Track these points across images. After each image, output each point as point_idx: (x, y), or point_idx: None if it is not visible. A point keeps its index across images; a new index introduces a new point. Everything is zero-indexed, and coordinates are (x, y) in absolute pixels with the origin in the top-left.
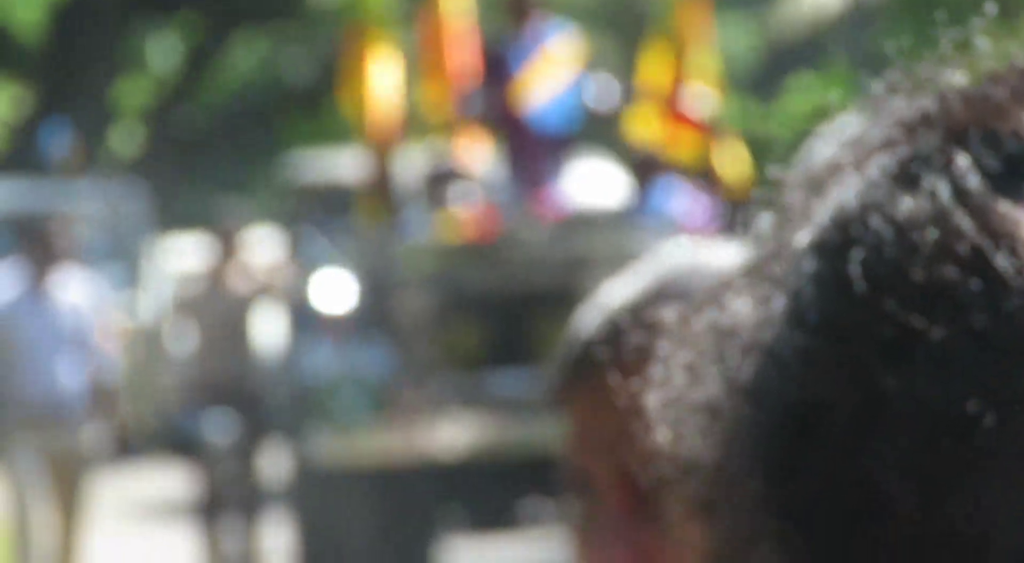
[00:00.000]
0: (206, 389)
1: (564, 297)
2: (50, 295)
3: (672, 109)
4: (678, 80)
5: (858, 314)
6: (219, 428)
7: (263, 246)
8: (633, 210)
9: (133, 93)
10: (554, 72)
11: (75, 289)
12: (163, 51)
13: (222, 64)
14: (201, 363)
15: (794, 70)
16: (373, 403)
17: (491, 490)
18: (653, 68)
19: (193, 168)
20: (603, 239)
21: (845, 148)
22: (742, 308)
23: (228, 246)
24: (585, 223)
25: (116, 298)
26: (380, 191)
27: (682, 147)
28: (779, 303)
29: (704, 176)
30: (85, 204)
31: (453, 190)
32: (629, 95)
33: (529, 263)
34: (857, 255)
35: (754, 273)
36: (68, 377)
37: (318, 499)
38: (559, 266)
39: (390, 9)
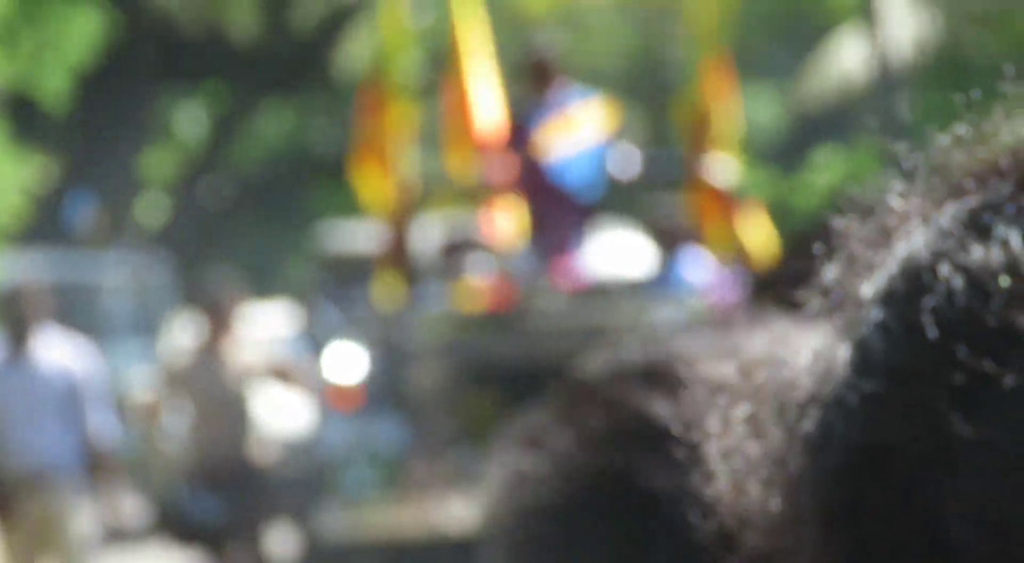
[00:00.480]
0: (203, 467)
1: None
2: (32, 360)
3: (696, 179)
4: (702, 149)
5: (929, 360)
6: (219, 509)
7: (273, 320)
8: (655, 280)
9: (159, 163)
10: (575, 132)
11: (66, 353)
12: (189, 121)
13: (248, 134)
14: (196, 440)
15: (820, 140)
16: (386, 477)
17: None
18: (675, 138)
19: (219, 239)
20: (622, 309)
21: (910, 199)
22: (803, 360)
23: (221, 320)
24: (604, 293)
25: (139, 371)
26: (397, 261)
27: (706, 217)
28: (843, 353)
29: (728, 246)
30: (110, 275)
31: (470, 260)
32: (651, 164)
33: (547, 333)
34: (928, 303)
35: (816, 324)
36: (56, 443)
37: None
38: (578, 336)
39: (412, 76)
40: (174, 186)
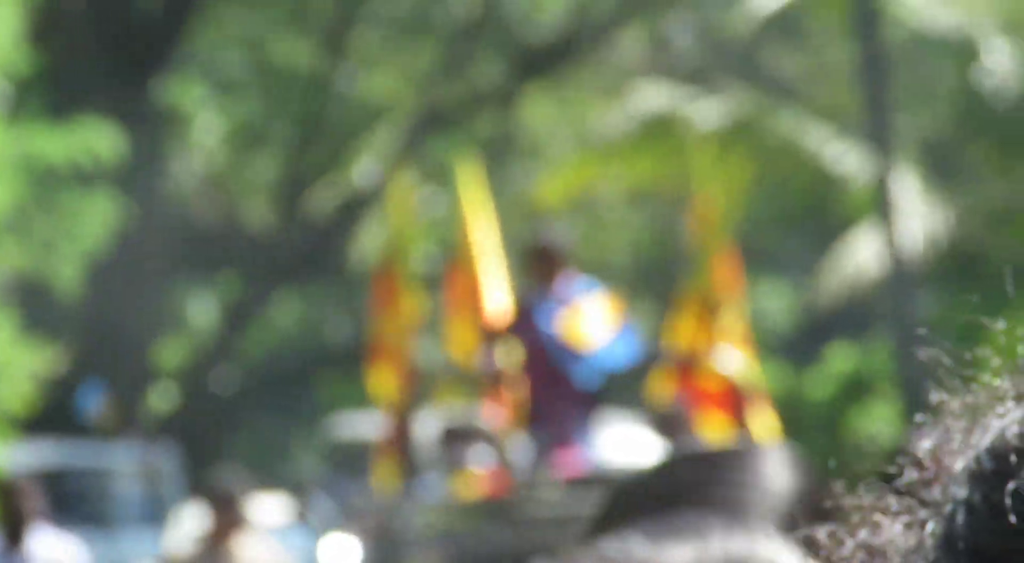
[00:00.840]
0: None
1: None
2: (26, 556)
3: (698, 370)
4: (708, 341)
5: (1008, 544)
6: None
7: (272, 510)
8: None
9: (171, 351)
10: (580, 323)
11: (59, 551)
12: (202, 309)
13: (261, 323)
14: None
15: (834, 335)
16: None
17: None
18: (683, 329)
19: (227, 427)
20: None
21: (1011, 379)
22: (895, 529)
23: (228, 513)
24: (603, 480)
25: (148, 561)
26: (397, 451)
27: (708, 410)
28: (933, 527)
29: (729, 437)
30: (119, 463)
31: (471, 449)
32: (656, 355)
33: (545, 522)
34: (1011, 486)
35: (910, 495)
36: None
37: None
38: (576, 525)
39: (420, 266)
40: (185, 374)
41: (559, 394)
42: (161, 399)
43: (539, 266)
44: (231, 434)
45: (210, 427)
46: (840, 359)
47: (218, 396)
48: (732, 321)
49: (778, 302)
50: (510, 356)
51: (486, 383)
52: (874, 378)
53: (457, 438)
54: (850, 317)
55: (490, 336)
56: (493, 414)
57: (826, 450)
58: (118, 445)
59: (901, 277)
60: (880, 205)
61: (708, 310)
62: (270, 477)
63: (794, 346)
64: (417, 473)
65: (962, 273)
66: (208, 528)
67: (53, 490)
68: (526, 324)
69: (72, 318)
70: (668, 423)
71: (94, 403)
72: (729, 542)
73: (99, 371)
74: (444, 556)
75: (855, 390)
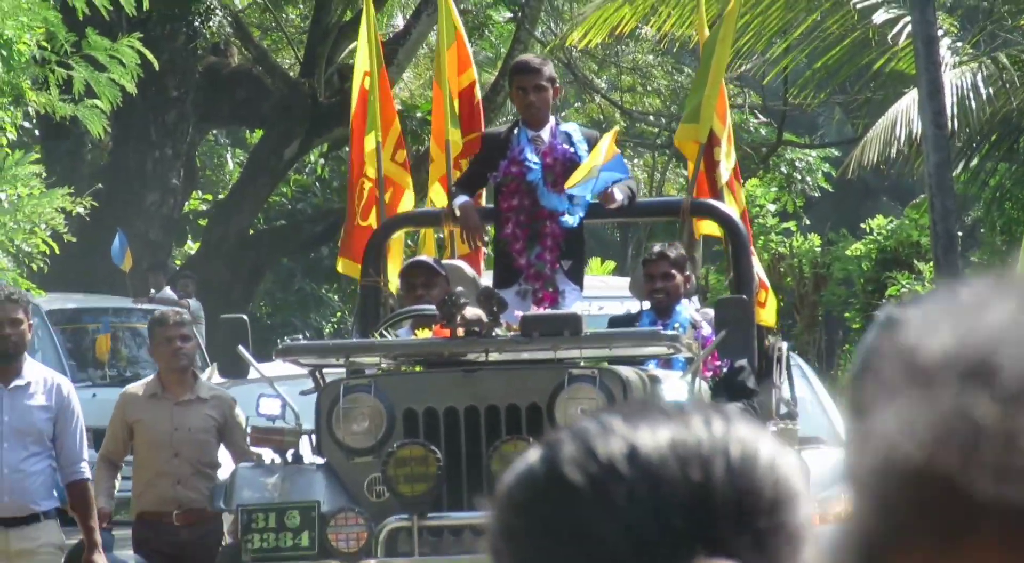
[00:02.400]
0: None
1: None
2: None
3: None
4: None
5: None
6: None
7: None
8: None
9: (196, 202)
10: (571, 164)
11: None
12: (227, 160)
13: (286, 174)
14: None
15: (872, 203)
16: None
17: None
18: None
19: (252, 280)
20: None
21: None
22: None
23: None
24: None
25: None
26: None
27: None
28: None
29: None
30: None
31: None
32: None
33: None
34: None
35: None
36: (30, 476)
37: None
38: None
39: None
40: (210, 225)
41: (539, 234)
42: (185, 249)
43: (527, 96)
44: (253, 285)
45: (232, 277)
46: (878, 228)
47: (241, 246)
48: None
49: (816, 169)
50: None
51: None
52: (911, 248)
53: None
54: (889, 184)
55: (465, 178)
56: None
57: (861, 317)
58: (144, 295)
59: (940, 143)
60: (923, 67)
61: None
62: (287, 329)
63: (831, 214)
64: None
65: (1002, 139)
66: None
67: (77, 342)
68: (508, 158)
69: (97, 165)
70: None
71: (120, 252)
72: (708, 425)
73: (124, 221)
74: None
75: (892, 260)
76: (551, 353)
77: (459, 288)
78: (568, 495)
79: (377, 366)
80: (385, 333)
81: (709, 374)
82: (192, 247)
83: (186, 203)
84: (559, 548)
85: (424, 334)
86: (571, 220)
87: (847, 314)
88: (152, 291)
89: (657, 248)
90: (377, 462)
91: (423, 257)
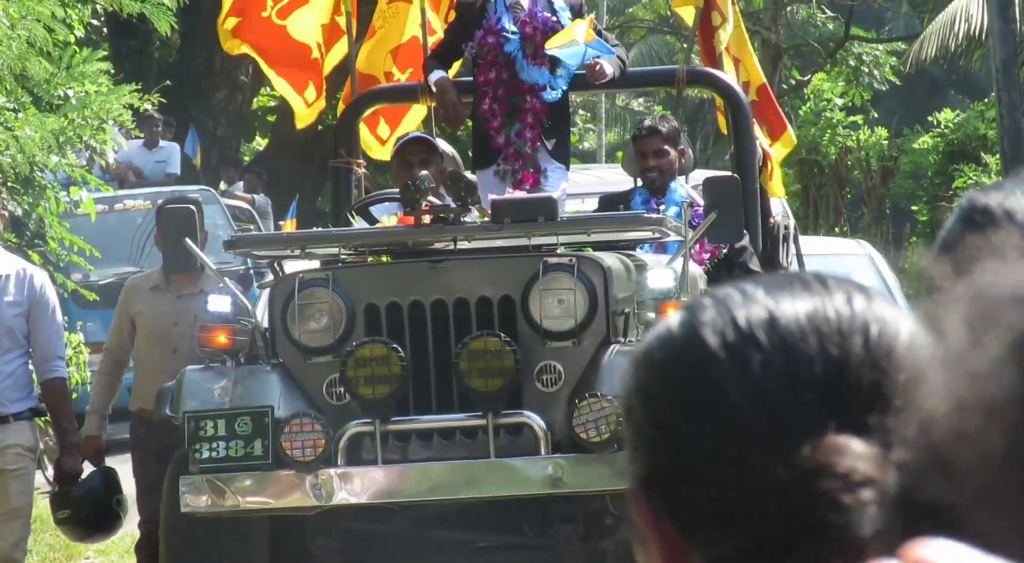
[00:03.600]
0: None
1: None
2: None
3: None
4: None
5: None
6: None
7: None
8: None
9: (264, 99)
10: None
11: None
12: None
13: None
14: None
15: (939, 97)
16: None
17: None
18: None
19: (320, 175)
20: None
21: None
22: None
23: None
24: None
25: None
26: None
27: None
28: None
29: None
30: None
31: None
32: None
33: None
34: None
35: None
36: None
37: None
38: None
39: None
40: (277, 120)
41: (519, 110)
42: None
43: None
44: (322, 180)
45: (301, 173)
46: (945, 121)
47: (310, 141)
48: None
49: (883, 63)
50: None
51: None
52: (978, 141)
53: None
54: (957, 78)
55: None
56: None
57: (928, 210)
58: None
59: (1007, 38)
60: None
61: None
62: None
63: (898, 108)
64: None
65: None
66: None
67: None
68: (483, 27)
69: (165, 63)
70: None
71: (193, 148)
72: (851, 298)
73: (192, 118)
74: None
75: (959, 153)
76: (525, 241)
77: (423, 172)
78: (705, 359)
79: (336, 257)
80: (354, 219)
81: (707, 256)
82: (261, 143)
83: (255, 99)
84: (692, 410)
85: (391, 220)
86: (553, 94)
87: (914, 207)
88: (223, 186)
89: (648, 122)
90: (336, 362)
91: (420, 132)
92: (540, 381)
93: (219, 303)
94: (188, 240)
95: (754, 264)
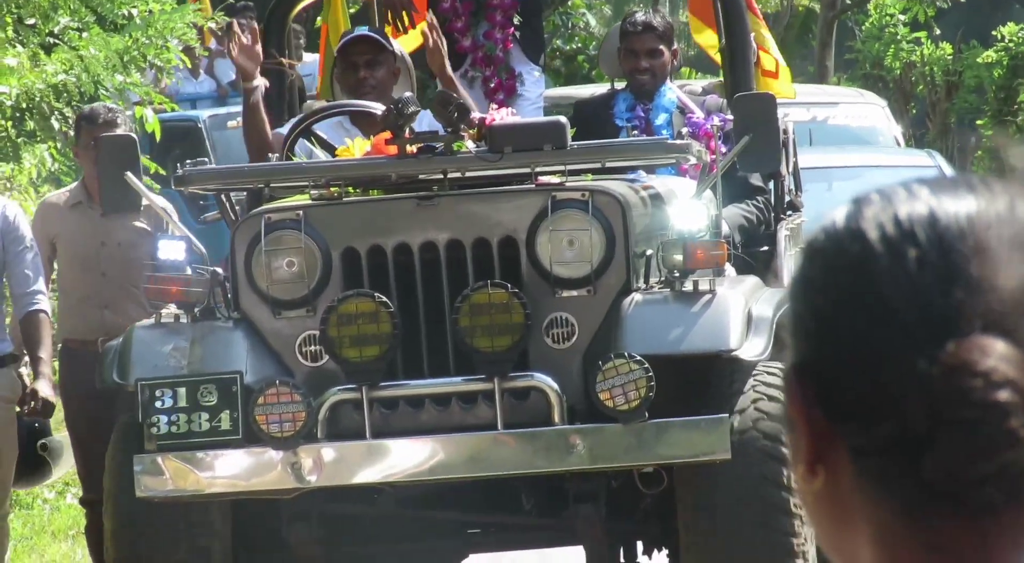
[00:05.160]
0: None
1: None
2: None
3: None
4: None
5: None
6: None
7: None
8: None
9: None
10: None
11: None
12: None
13: None
14: None
15: (1002, 13)
16: None
17: None
18: None
19: None
20: None
21: None
22: None
23: None
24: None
25: None
26: None
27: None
28: None
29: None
30: None
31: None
32: None
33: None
34: None
35: None
36: None
37: None
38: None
39: None
40: None
41: (485, 6)
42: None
43: None
44: None
45: None
46: (1010, 35)
47: None
48: None
49: None
50: None
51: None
52: None
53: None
54: None
55: None
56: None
57: (993, 124)
58: None
59: None
60: None
61: None
62: None
63: (962, 23)
64: None
65: None
66: None
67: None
68: None
69: None
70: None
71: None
72: (1013, 204)
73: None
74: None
75: (1022, 68)
76: (528, 171)
77: (407, 93)
78: (863, 252)
79: (306, 192)
80: (306, 140)
81: (700, 168)
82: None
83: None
84: (846, 301)
85: (360, 144)
86: None
87: (979, 121)
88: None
89: (640, 17)
90: (310, 316)
91: (364, 29)
92: (550, 336)
93: (170, 248)
94: (129, 173)
95: (755, 178)
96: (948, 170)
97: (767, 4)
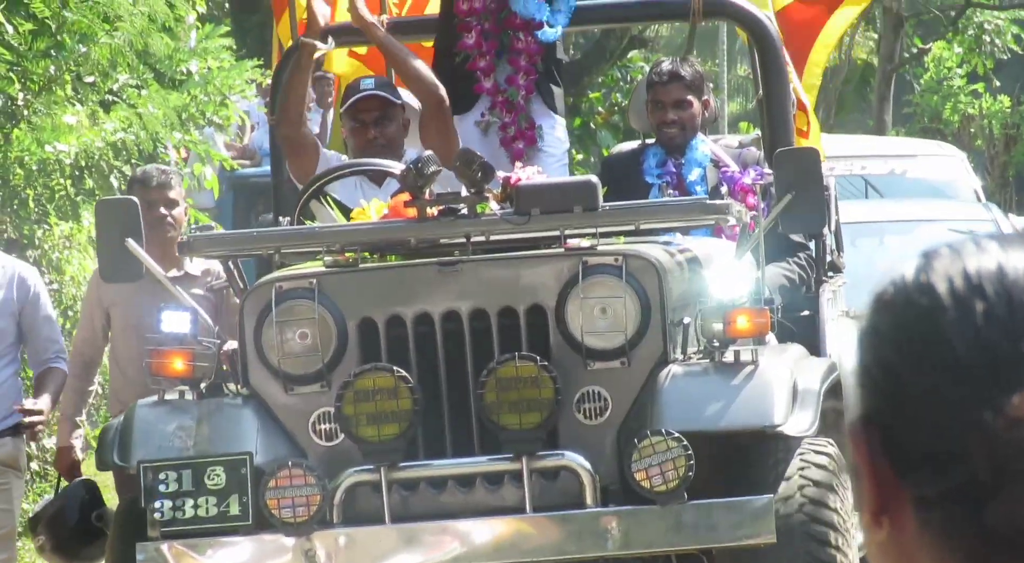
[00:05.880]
0: None
1: None
2: None
3: None
4: None
5: None
6: None
7: None
8: None
9: None
10: None
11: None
12: None
13: None
14: None
15: None
16: None
17: None
18: None
19: None
20: None
21: None
22: None
23: None
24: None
25: None
26: None
27: None
28: None
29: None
30: None
31: None
32: None
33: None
34: None
35: None
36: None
37: None
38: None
39: None
40: None
41: (509, 50)
42: None
43: None
44: None
45: None
46: None
47: None
48: None
49: (1005, 31)
50: None
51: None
52: None
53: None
54: None
55: None
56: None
57: None
58: None
59: None
60: None
61: None
62: None
63: (1020, 75)
64: None
65: None
66: None
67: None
68: None
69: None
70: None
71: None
72: None
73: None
74: None
75: None
76: (556, 234)
77: (427, 152)
78: (932, 305)
79: (319, 258)
80: (322, 204)
81: (737, 229)
82: None
83: None
84: (914, 353)
85: (376, 207)
86: (552, 32)
87: None
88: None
89: (667, 66)
90: (325, 392)
91: (371, 83)
92: (581, 412)
93: (174, 320)
94: (130, 240)
95: (795, 234)
96: (1005, 223)
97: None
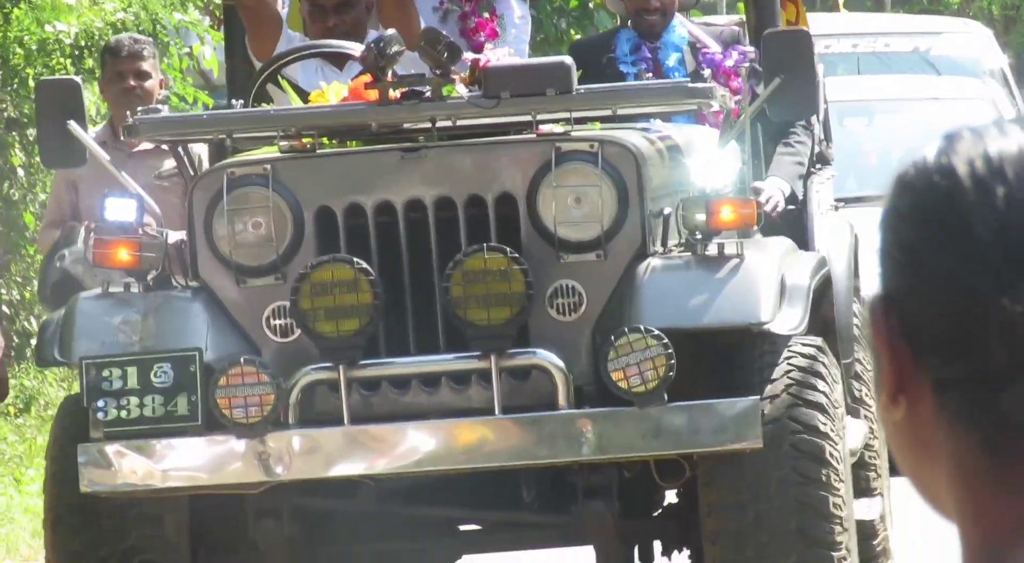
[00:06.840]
0: None
1: None
2: None
3: None
4: None
5: None
6: None
7: None
8: None
9: None
10: None
11: None
12: None
13: None
14: None
15: None
16: None
17: None
18: None
19: None
20: None
21: None
22: None
23: None
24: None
25: None
26: None
27: None
28: None
29: None
30: None
31: None
32: None
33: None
34: None
35: None
36: None
37: None
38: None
39: None
40: None
41: None
42: None
43: None
44: None
45: None
46: None
47: None
48: None
49: None
50: None
51: None
52: None
53: None
54: None
55: None
56: None
57: None
58: None
59: None
60: None
61: None
62: None
63: None
64: None
65: None
66: None
67: None
68: None
69: None
70: None
71: None
72: None
73: None
74: None
75: None
76: (528, 119)
77: (390, 31)
78: (952, 188)
79: (275, 143)
80: (279, 87)
81: (721, 116)
82: None
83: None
84: (934, 236)
85: (335, 90)
86: None
87: None
88: None
89: None
90: (279, 285)
91: None
92: (554, 307)
93: (118, 207)
94: (72, 122)
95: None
96: (1006, 106)
97: None
